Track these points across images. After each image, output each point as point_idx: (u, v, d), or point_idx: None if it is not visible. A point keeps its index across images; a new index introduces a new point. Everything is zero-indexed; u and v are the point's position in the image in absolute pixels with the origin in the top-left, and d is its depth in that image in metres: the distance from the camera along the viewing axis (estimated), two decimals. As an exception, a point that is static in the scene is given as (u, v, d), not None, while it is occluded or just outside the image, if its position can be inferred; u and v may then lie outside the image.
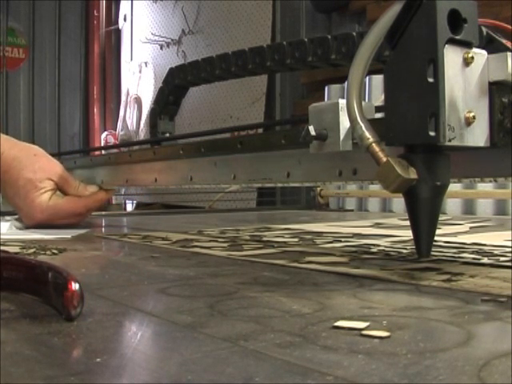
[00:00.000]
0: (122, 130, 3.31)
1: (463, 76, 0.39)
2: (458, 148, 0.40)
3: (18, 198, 0.86)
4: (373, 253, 0.57)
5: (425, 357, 0.23)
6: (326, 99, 1.78)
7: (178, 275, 0.45)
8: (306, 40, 0.69)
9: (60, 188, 0.88)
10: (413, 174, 0.39)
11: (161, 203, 2.79)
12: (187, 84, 0.93)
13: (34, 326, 0.28)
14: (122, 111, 3.36)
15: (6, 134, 0.90)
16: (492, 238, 0.70)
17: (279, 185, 0.66)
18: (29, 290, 0.34)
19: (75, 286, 0.29)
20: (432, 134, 0.38)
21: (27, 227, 0.86)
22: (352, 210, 1.68)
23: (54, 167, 0.89)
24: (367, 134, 0.40)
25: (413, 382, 0.20)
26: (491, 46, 0.43)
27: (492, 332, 0.28)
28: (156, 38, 3.11)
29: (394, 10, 0.40)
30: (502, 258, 0.51)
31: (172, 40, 3.00)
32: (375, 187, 1.50)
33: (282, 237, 0.75)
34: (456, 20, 0.39)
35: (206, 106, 2.66)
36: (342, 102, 0.48)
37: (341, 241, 0.69)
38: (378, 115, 0.51)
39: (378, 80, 1.61)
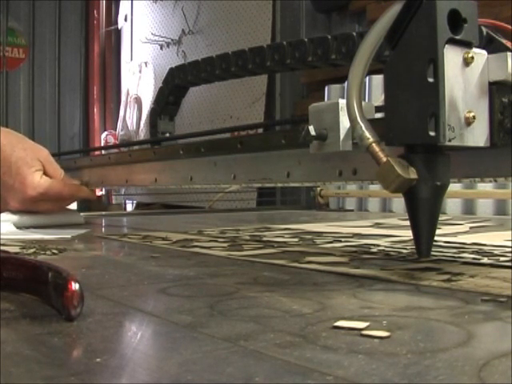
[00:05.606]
0: (122, 130, 3.31)
1: (463, 76, 0.39)
2: (458, 148, 0.40)
3: (8, 176, 0.87)
4: (373, 253, 0.57)
5: (425, 357, 0.23)
6: (326, 99, 1.78)
7: (178, 275, 0.45)
8: (306, 40, 0.69)
9: (45, 172, 0.91)
10: (413, 174, 0.39)
11: (161, 203, 2.79)
12: (187, 84, 0.93)
13: (34, 326, 0.28)
14: (122, 111, 3.35)
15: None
16: (492, 238, 0.70)
17: (279, 185, 0.66)
18: (29, 290, 0.34)
19: (75, 286, 0.29)
20: (432, 134, 0.38)
21: (14, 214, 0.87)
22: (352, 210, 1.68)
23: (41, 151, 0.93)
24: (367, 134, 0.40)
25: (413, 382, 0.20)
26: (491, 45, 0.43)
27: (492, 332, 0.28)
28: (156, 38, 3.11)
29: (394, 10, 0.40)
30: (502, 258, 0.51)
31: (172, 40, 3.00)
32: (375, 187, 1.50)
33: (282, 237, 0.75)
34: (456, 20, 0.39)
35: (206, 106, 2.66)
36: (342, 102, 0.48)
37: (341, 241, 0.69)
38: (378, 115, 0.51)
39: (378, 80, 1.61)
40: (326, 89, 1.83)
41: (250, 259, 0.53)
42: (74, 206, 1.03)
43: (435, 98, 0.37)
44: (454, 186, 1.34)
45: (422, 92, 0.38)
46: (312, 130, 0.51)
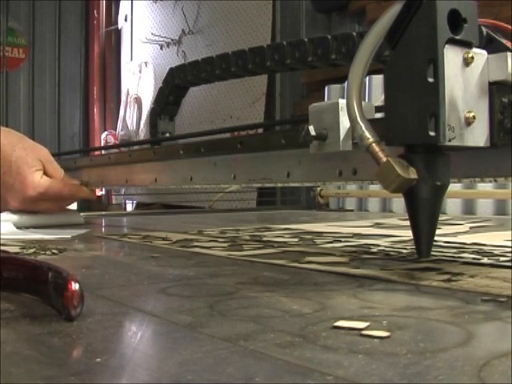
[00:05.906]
0: (122, 130, 3.31)
1: (463, 76, 0.39)
2: (458, 148, 0.40)
3: (8, 176, 0.87)
4: (373, 253, 0.57)
5: (425, 357, 0.23)
6: (326, 99, 1.78)
7: (178, 275, 0.45)
8: (306, 40, 0.69)
9: (45, 171, 0.91)
10: (413, 174, 0.39)
11: (161, 203, 2.80)
12: (187, 84, 0.93)
13: (34, 326, 0.28)
14: (122, 111, 3.35)
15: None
16: (492, 238, 0.70)
17: (279, 185, 0.66)
18: (29, 290, 0.34)
19: (75, 286, 0.29)
20: (432, 134, 0.38)
21: (14, 214, 0.87)
22: (352, 210, 1.68)
23: (41, 150, 0.93)
24: (367, 134, 0.40)
25: (413, 382, 0.20)
26: (491, 45, 0.43)
27: (492, 332, 0.28)
28: (156, 38, 3.11)
29: (394, 10, 0.40)
30: (502, 258, 0.51)
31: (172, 40, 3.00)
32: (375, 187, 1.50)
33: (282, 237, 0.75)
34: (456, 20, 0.39)
35: (206, 106, 2.66)
36: (342, 102, 0.48)
37: (341, 241, 0.69)
38: (378, 115, 0.51)
39: (378, 80, 1.61)
40: (326, 89, 1.83)
41: (250, 259, 0.53)
42: (74, 206, 1.03)
43: (435, 98, 0.37)
44: (454, 186, 1.34)
45: (422, 92, 0.38)
46: (312, 130, 0.51)
